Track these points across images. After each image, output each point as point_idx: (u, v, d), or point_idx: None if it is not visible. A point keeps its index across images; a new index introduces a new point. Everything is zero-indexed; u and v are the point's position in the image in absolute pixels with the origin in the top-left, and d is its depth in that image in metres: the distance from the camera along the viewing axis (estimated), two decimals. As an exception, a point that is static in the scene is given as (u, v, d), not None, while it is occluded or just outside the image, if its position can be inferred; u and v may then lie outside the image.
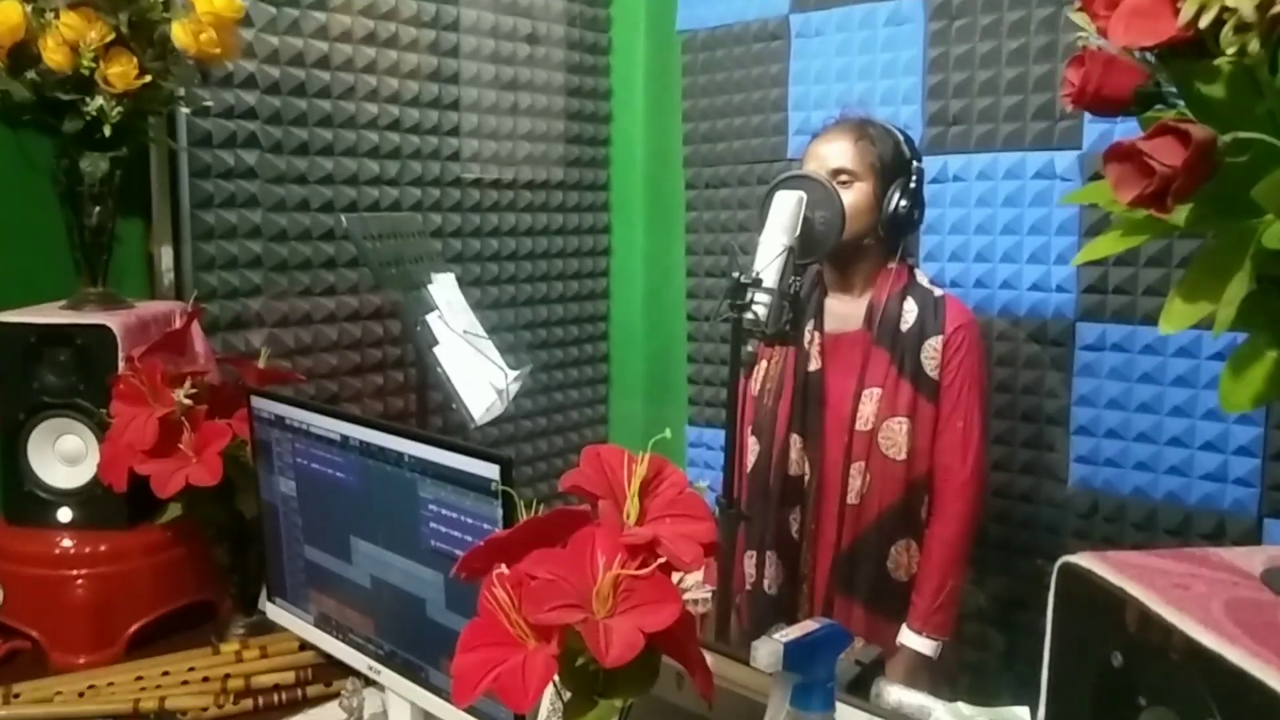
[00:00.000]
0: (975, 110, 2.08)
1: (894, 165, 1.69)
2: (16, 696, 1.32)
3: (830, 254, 1.68)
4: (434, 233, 2.29)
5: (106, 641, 1.46)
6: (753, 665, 0.71)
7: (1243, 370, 0.54)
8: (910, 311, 1.70)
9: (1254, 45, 0.52)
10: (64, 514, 1.49)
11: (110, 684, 1.36)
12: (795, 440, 1.74)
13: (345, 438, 1.23)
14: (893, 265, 1.71)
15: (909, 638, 1.67)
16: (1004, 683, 2.05)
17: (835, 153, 1.69)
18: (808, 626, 0.72)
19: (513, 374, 2.00)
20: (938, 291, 1.72)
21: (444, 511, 1.10)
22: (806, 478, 1.74)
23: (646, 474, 0.88)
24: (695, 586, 1.14)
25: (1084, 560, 0.54)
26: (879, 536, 1.69)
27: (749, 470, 1.78)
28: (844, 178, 1.67)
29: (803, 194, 1.57)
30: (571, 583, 0.81)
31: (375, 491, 1.21)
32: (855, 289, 1.75)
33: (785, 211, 1.56)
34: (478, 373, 1.93)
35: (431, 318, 1.80)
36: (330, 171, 2.08)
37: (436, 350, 1.79)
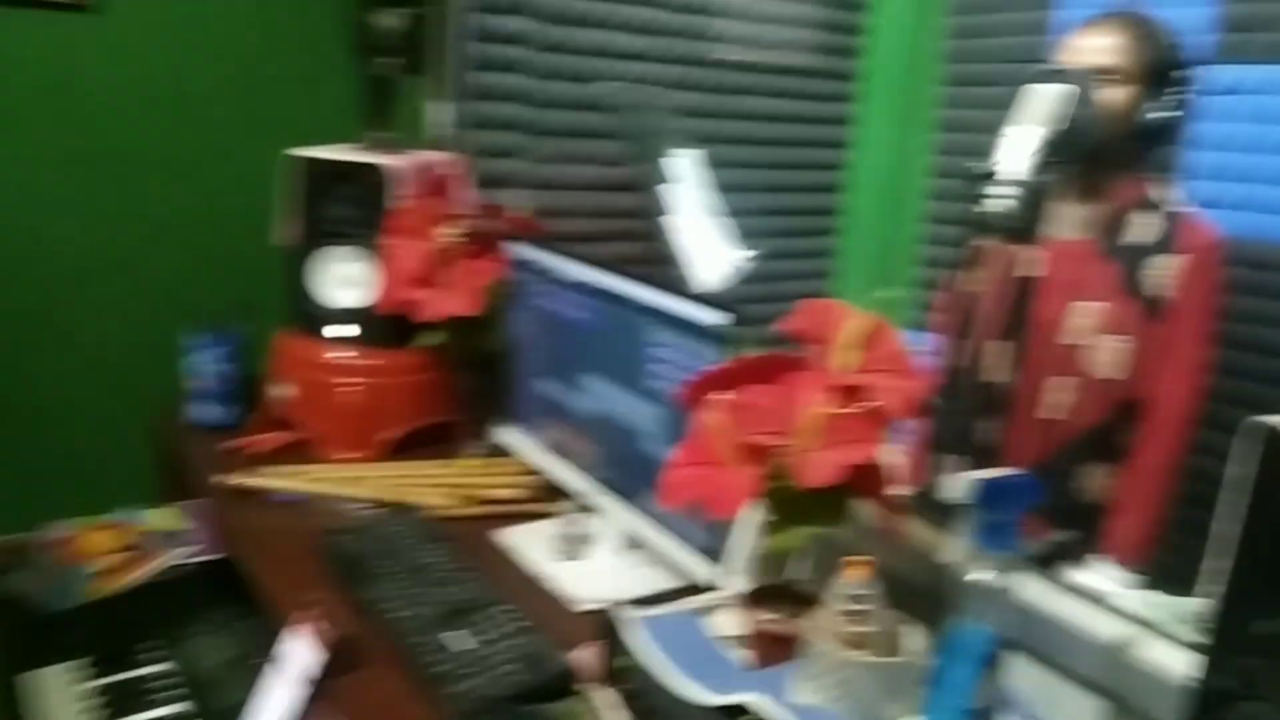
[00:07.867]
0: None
1: (1163, 70, 1.59)
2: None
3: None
4: (684, 113, 2.35)
5: (366, 444, 1.67)
6: (940, 496, 0.75)
7: None
8: (1147, 225, 1.60)
9: None
10: (339, 330, 1.70)
11: (368, 478, 1.57)
12: (998, 346, 1.70)
13: (585, 281, 1.35)
14: (1137, 175, 1.62)
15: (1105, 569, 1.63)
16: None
17: (1102, 48, 1.60)
18: (1001, 471, 0.76)
19: (743, 255, 2.06)
20: (1182, 208, 1.62)
21: (668, 354, 1.20)
22: (1004, 386, 1.70)
23: (866, 329, 0.93)
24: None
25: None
26: (1074, 454, 1.64)
27: (944, 371, 1.76)
28: (1107, 76, 1.59)
29: (1072, 88, 1.50)
30: (782, 413, 0.88)
31: (607, 331, 1.32)
32: (1091, 196, 1.67)
33: (1049, 104, 1.51)
34: (707, 250, 2.00)
35: (666, 188, 1.89)
36: (600, 43, 2.17)
37: (665, 220, 1.87)
